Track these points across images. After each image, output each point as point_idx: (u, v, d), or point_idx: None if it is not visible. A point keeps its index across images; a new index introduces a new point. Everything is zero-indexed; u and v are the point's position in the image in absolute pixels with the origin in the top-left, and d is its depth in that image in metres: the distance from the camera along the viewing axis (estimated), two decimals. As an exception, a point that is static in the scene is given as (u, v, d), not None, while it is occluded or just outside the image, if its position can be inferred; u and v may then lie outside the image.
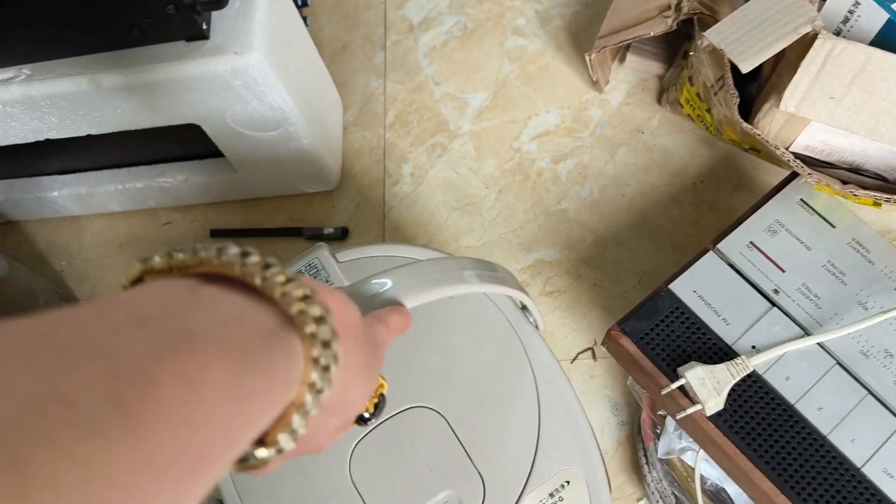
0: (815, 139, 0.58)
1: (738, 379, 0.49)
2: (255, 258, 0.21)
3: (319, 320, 0.21)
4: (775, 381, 0.50)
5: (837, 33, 0.59)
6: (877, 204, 0.56)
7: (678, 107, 0.70)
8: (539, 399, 0.43)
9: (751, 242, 0.55)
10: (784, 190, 0.57)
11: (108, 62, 0.56)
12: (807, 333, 0.51)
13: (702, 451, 0.55)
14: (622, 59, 0.75)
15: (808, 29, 0.52)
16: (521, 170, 0.73)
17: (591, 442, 0.42)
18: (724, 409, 0.49)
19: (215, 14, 0.56)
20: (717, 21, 0.56)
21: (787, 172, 0.61)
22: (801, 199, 0.57)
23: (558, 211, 0.71)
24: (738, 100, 0.58)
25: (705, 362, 0.50)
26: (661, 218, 0.69)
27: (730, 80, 0.58)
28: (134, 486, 0.14)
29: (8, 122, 0.61)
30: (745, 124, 0.57)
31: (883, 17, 0.56)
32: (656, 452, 0.58)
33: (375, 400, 0.29)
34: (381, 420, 0.42)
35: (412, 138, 0.76)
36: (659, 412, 0.59)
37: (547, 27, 0.79)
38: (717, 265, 0.55)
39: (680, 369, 0.50)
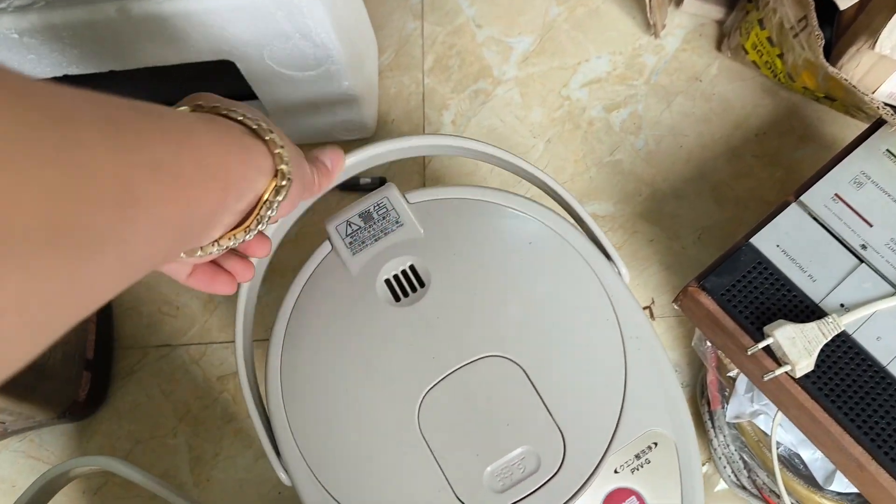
0: (901, 86, 0.54)
1: (829, 338, 0.46)
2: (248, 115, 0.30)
3: (282, 148, 0.29)
4: (866, 341, 0.47)
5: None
6: (970, 155, 0.52)
7: (741, 53, 0.66)
8: (626, 353, 0.39)
9: (836, 195, 0.52)
10: (869, 140, 0.53)
11: (140, -13, 0.51)
12: (898, 291, 0.48)
13: (778, 416, 0.52)
14: (678, 3, 0.71)
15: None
16: (571, 119, 0.69)
17: (681, 401, 0.39)
18: (813, 370, 0.46)
19: (259, -65, 0.50)
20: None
21: (859, 125, 0.57)
22: (888, 150, 0.53)
23: (611, 162, 0.67)
24: (822, 41, 0.53)
25: (791, 321, 0.47)
26: (721, 171, 0.65)
27: (814, 20, 0.54)
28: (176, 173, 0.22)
29: (24, 54, 0.56)
30: (831, 68, 0.53)
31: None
32: (724, 416, 0.56)
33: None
34: (454, 368, 0.38)
35: (453, 84, 0.71)
36: (728, 374, 0.56)
37: (596, -33, 0.74)
38: (801, 218, 0.51)
39: (767, 328, 0.47)
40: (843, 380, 0.46)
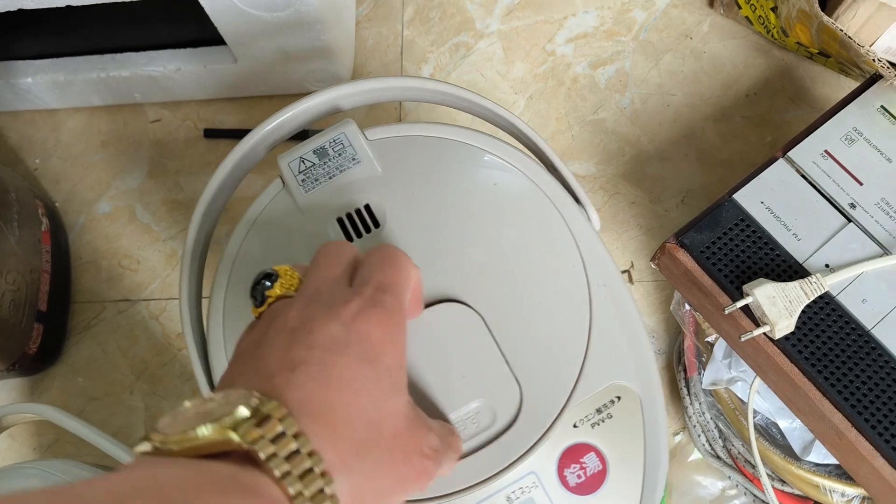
0: (899, 40, 0.52)
1: (811, 299, 0.43)
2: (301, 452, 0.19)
3: None
4: (850, 303, 0.45)
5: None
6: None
7: (734, 9, 0.62)
8: (591, 302, 0.37)
9: (825, 151, 0.49)
10: (863, 95, 0.51)
11: None
12: (886, 252, 0.46)
13: (756, 383, 0.50)
14: (671, -43, 0.67)
15: None
16: (555, 75, 0.66)
17: (648, 355, 0.36)
18: (793, 332, 0.44)
19: None
20: None
21: (853, 86, 0.54)
22: (882, 107, 0.50)
23: (595, 121, 0.64)
24: (818, -10, 0.50)
25: (773, 280, 0.44)
26: (709, 132, 0.62)
27: (809, -33, 0.51)
28: None
29: (-28, -17, 0.52)
30: (825, 18, 0.50)
31: None
32: (700, 383, 0.53)
33: None
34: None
35: (433, 37, 0.68)
36: (707, 339, 0.53)
37: (587, -82, 0.70)
38: (788, 174, 0.48)
39: (746, 286, 0.44)
40: (825, 343, 0.44)
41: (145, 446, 0.19)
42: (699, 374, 0.54)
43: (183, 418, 0.19)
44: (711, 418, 0.53)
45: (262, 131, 0.41)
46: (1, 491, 0.42)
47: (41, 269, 0.60)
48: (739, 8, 0.61)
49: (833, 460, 0.49)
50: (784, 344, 0.44)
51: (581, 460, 0.34)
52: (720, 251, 0.47)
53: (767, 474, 0.50)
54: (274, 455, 0.18)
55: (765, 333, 0.44)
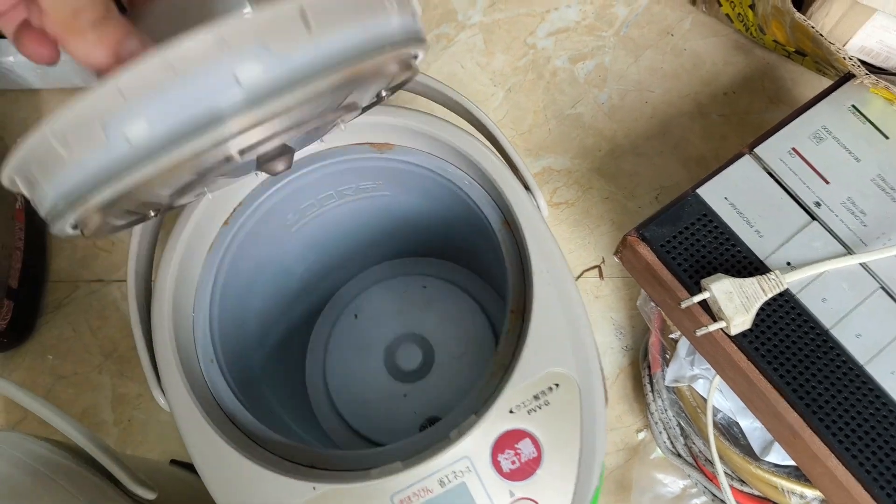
0: (873, 39, 0.51)
1: (770, 296, 0.43)
2: None
3: None
4: (810, 302, 0.44)
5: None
6: (940, 115, 0.49)
7: (715, 6, 0.62)
8: (533, 285, 0.36)
9: (793, 149, 0.48)
10: (834, 94, 0.50)
11: None
12: (849, 252, 0.45)
13: (716, 381, 0.49)
14: (655, -47, 0.67)
15: None
16: (535, 68, 0.65)
17: (588, 343, 0.36)
18: (751, 329, 0.43)
19: None
20: None
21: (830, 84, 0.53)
22: (853, 106, 0.50)
23: (572, 115, 0.64)
24: (792, -14, 0.50)
25: (733, 276, 0.44)
26: (685, 129, 0.62)
27: (784, -36, 0.50)
28: None
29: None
30: (797, 14, 0.50)
31: None
32: (663, 380, 0.53)
33: None
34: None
35: (415, 27, 0.68)
36: (670, 336, 0.53)
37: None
38: (754, 171, 0.48)
39: (704, 281, 0.44)
40: (783, 341, 0.43)
41: None
42: (663, 371, 0.53)
43: None
44: (673, 415, 0.53)
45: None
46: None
47: (13, 247, 0.60)
48: (720, 5, 0.61)
49: (793, 462, 0.48)
50: (741, 341, 0.43)
51: (516, 446, 0.34)
52: (680, 245, 0.46)
53: (726, 473, 0.50)
54: None
55: (721, 329, 0.43)
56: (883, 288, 0.44)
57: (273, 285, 0.48)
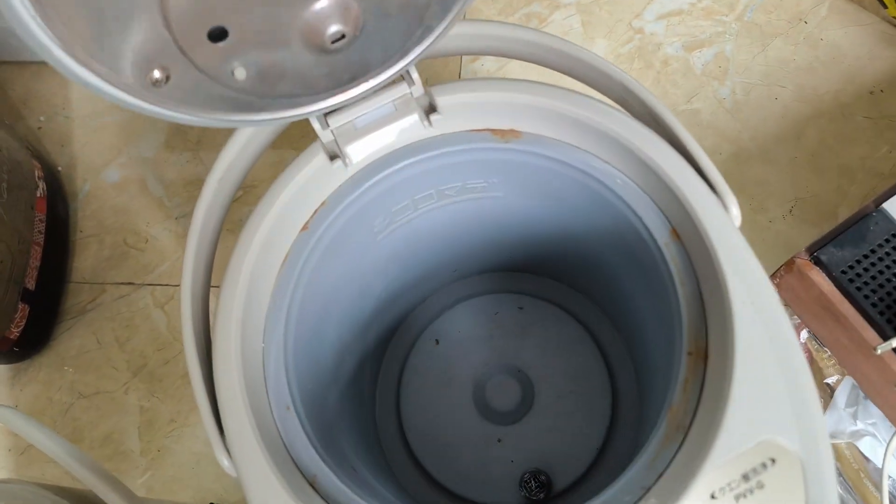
0: None
1: None
2: None
3: None
4: None
5: None
6: None
7: (862, -11, 0.53)
8: (734, 326, 0.27)
9: None
10: None
11: None
12: None
13: (894, 442, 0.40)
14: (784, -72, 0.58)
15: None
16: (643, 55, 0.56)
17: (814, 404, 0.27)
18: (966, 384, 0.34)
19: None
20: None
21: None
22: None
23: (688, 111, 0.54)
24: None
25: (939, 315, 0.35)
26: (825, 132, 0.53)
27: None
28: None
29: None
30: None
31: None
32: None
33: None
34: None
35: (501, 5, 0.59)
36: (825, 381, 0.43)
37: None
38: (956, 183, 0.39)
39: (909, 321, 0.35)
40: None
41: None
42: (813, 423, 0.43)
43: None
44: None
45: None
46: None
47: (32, 241, 0.52)
48: (872, -13, 0.52)
49: None
50: (953, 398, 0.34)
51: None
52: (866, 273, 0.37)
53: (900, 557, 0.40)
54: None
55: (930, 384, 0.34)
56: None
57: (349, 306, 0.39)
